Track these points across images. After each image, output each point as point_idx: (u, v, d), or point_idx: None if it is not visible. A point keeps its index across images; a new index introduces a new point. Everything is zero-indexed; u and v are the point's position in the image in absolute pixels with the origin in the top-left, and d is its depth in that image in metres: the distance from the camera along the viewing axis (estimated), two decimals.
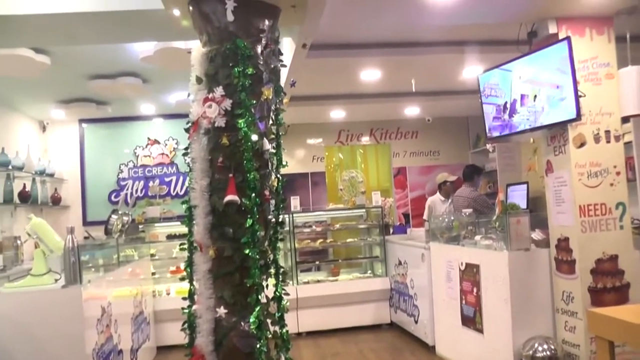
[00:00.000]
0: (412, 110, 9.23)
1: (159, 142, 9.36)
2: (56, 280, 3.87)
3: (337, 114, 9.21)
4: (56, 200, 8.62)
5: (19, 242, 7.03)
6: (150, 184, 9.01)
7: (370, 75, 6.61)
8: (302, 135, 9.97)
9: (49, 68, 5.82)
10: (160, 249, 7.31)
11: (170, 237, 7.26)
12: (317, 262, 7.76)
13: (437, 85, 7.59)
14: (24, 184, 7.65)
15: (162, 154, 9.35)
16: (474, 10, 4.51)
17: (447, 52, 5.73)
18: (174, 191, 9.21)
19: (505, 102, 4.78)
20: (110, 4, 4.14)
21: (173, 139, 9.36)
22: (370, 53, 5.60)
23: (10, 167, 7.13)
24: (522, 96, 4.63)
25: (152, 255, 7.07)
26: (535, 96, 4.47)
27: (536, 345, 4.34)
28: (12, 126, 7.99)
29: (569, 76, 4.21)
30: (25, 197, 7.57)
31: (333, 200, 8.91)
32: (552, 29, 4.52)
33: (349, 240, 7.60)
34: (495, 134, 4.96)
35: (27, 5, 4.15)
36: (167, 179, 9.27)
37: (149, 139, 9.35)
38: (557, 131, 4.49)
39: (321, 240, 7.48)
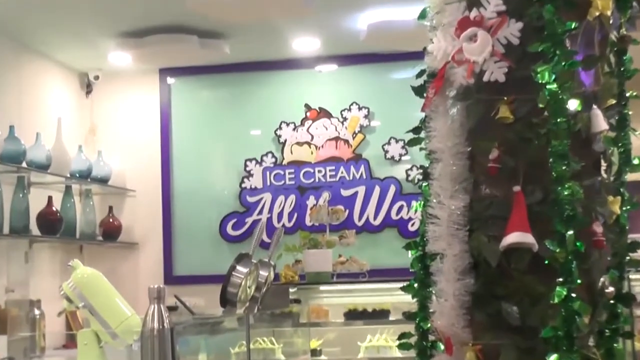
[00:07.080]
0: None
1: (329, 115, 7.83)
2: None
3: None
4: (110, 231, 7.83)
5: (36, 311, 6.77)
6: (313, 201, 7.61)
7: None
8: None
9: None
10: (332, 338, 6.88)
11: (353, 313, 6.65)
12: None
13: None
14: (49, 197, 7.13)
15: (337, 139, 7.80)
16: None
17: None
18: (360, 217, 7.61)
19: None
20: None
21: (360, 108, 7.75)
22: None
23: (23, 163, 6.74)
24: None
25: (314, 351, 6.51)
26: None
27: None
28: (39, 79, 7.58)
29: None
30: (50, 223, 7.07)
31: None
32: None
33: None
34: None
35: None
36: (346, 192, 7.68)
37: (307, 107, 7.84)
38: None
39: None
